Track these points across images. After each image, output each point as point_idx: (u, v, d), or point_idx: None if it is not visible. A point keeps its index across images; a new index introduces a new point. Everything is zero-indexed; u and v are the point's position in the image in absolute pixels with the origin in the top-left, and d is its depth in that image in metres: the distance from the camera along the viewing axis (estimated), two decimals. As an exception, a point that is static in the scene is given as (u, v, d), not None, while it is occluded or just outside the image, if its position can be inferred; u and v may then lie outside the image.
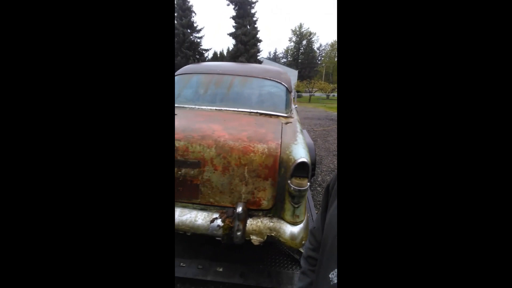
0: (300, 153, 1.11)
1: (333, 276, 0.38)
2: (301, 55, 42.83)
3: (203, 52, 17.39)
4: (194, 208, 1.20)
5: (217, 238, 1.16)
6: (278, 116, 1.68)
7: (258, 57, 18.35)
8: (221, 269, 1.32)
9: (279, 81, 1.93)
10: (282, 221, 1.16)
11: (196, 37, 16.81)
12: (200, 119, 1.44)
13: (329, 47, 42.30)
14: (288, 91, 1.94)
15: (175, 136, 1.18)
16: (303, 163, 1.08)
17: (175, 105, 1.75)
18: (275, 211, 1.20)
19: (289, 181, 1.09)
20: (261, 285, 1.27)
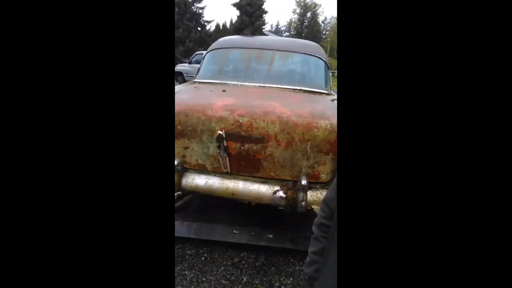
0: None
1: None
2: (305, 28, 40.59)
3: (205, 24, 16.44)
4: (255, 181, 1.28)
5: (279, 208, 1.25)
6: (321, 93, 1.69)
7: (263, 30, 17.42)
8: (271, 236, 1.44)
9: (319, 56, 1.89)
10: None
11: (198, 7, 15.78)
12: (252, 95, 1.46)
13: (334, 20, 40.00)
14: (328, 67, 1.92)
15: (238, 111, 1.21)
16: None
17: (217, 81, 1.75)
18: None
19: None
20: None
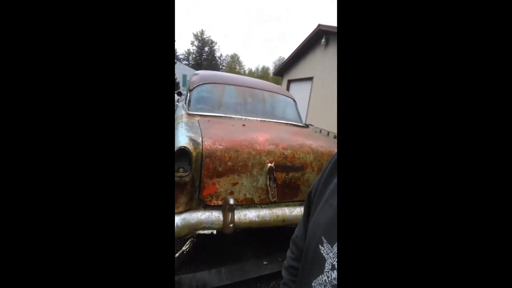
0: None
1: (316, 284, 0.38)
2: (204, 60, 43.18)
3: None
4: (295, 206, 1.44)
5: None
6: (303, 126, 2.13)
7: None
8: None
9: (291, 96, 2.37)
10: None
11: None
12: (268, 130, 1.64)
13: (230, 58, 45.49)
14: (296, 104, 2.42)
15: (281, 145, 1.38)
16: None
17: (221, 114, 1.79)
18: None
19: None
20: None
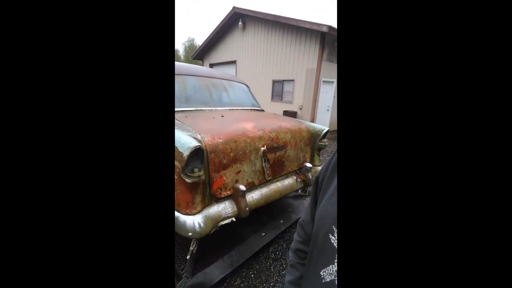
0: (321, 127, 2.01)
1: (325, 274, 0.38)
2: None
3: None
4: (283, 179, 1.67)
5: (299, 190, 1.73)
6: (262, 110, 2.33)
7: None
8: (282, 221, 1.90)
9: (243, 82, 2.48)
10: (316, 166, 2.02)
11: None
12: (243, 117, 1.74)
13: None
14: (249, 89, 2.57)
15: (266, 130, 1.53)
16: (328, 131, 2.01)
17: (194, 108, 1.73)
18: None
19: (319, 142, 1.97)
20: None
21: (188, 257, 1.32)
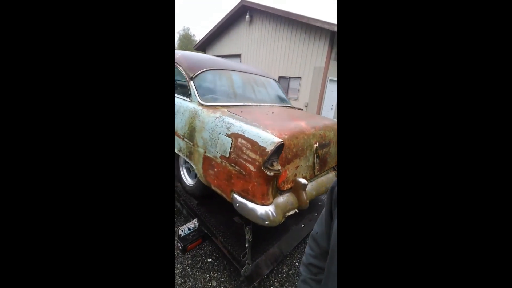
0: None
1: None
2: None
3: None
4: (325, 175, 1.77)
5: None
6: (292, 107, 2.41)
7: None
8: (316, 214, 2.02)
9: (274, 78, 2.54)
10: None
11: None
12: (293, 115, 1.82)
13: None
14: (279, 85, 2.64)
15: (316, 127, 1.62)
16: None
17: (241, 103, 1.79)
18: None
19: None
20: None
21: (246, 245, 1.41)
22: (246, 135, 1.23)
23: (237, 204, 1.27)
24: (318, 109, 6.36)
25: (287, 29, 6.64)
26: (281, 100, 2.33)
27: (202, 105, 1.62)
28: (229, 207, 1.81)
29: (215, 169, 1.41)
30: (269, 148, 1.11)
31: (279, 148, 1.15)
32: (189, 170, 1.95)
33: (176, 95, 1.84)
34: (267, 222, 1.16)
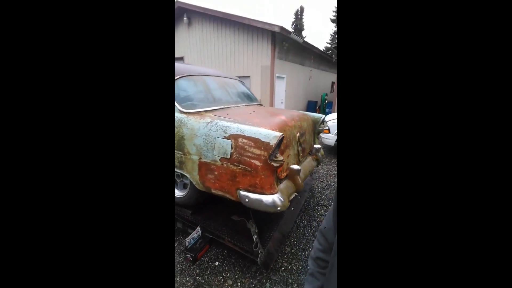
0: (318, 115, 2.44)
1: None
2: None
3: None
4: (305, 160, 2.02)
5: (313, 169, 2.13)
6: (261, 104, 2.59)
7: None
8: (299, 196, 2.28)
9: (239, 79, 2.66)
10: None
11: None
12: (271, 111, 1.98)
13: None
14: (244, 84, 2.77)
15: (294, 120, 1.83)
16: (324, 118, 2.44)
17: (222, 106, 1.85)
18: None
19: (319, 128, 2.40)
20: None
21: (255, 236, 1.52)
22: (246, 134, 1.32)
23: (247, 200, 1.35)
24: (271, 104, 6.77)
25: (229, 31, 6.78)
26: (252, 99, 2.47)
27: (184, 112, 1.61)
28: (225, 209, 1.86)
29: (215, 172, 1.45)
30: (273, 142, 1.24)
31: (281, 140, 1.29)
32: (175, 183, 1.89)
33: None
34: (279, 208, 1.30)
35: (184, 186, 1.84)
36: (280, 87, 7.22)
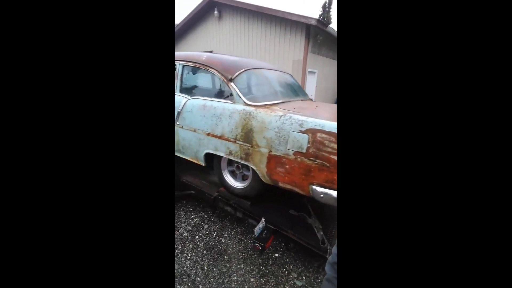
0: None
1: None
2: None
3: None
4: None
5: None
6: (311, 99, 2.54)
7: None
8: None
9: (289, 73, 2.63)
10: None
11: None
12: (332, 106, 1.94)
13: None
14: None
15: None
16: None
17: (284, 100, 1.84)
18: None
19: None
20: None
21: (321, 233, 1.51)
22: (326, 129, 1.30)
23: (321, 195, 1.34)
24: (301, 100, 6.67)
25: (261, 24, 6.71)
26: (304, 93, 2.43)
27: (251, 105, 1.62)
28: (281, 202, 1.87)
29: (286, 166, 1.45)
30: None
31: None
32: (234, 174, 1.93)
33: (209, 98, 1.79)
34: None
35: (243, 178, 1.88)
36: (311, 83, 7.06)
